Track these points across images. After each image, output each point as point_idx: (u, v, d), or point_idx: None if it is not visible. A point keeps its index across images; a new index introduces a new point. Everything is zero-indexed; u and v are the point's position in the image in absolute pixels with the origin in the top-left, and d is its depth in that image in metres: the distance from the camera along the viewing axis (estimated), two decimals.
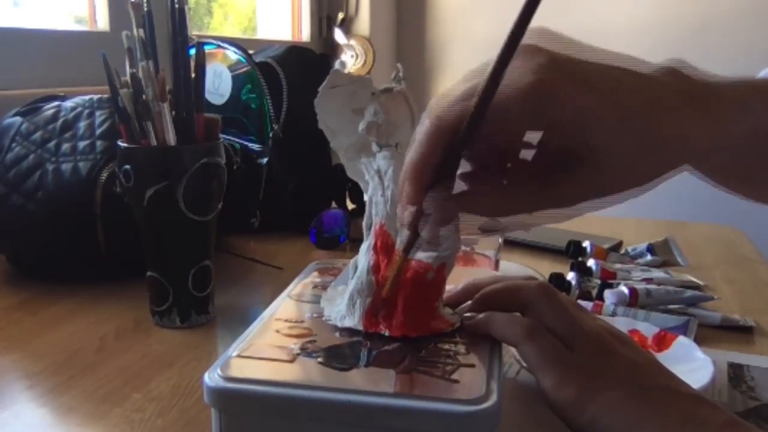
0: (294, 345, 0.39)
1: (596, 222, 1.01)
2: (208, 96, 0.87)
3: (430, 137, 0.36)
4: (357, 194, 0.98)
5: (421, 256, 0.41)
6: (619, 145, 0.35)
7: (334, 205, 0.98)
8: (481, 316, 0.42)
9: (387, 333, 0.40)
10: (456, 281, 0.46)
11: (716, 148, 0.37)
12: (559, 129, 0.35)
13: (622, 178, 0.36)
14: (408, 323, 0.40)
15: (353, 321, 0.41)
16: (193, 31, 0.61)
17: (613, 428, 0.35)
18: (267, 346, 0.39)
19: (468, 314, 0.44)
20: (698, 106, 0.36)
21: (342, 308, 0.42)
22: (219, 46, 0.96)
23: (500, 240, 0.64)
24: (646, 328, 0.56)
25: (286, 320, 0.43)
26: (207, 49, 0.92)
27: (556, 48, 0.35)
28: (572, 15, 2.06)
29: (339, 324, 0.42)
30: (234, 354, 0.38)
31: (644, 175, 0.36)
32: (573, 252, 0.81)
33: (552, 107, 0.34)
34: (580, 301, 0.65)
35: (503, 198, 0.37)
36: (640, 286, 0.66)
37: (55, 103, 0.77)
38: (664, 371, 0.39)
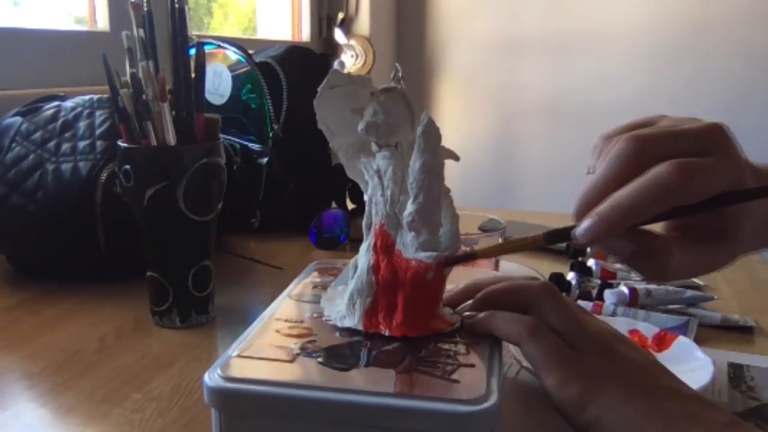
0: (294, 345, 0.39)
1: None
2: (208, 96, 0.87)
3: (661, 197, 0.36)
4: (357, 194, 0.98)
5: (422, 255, 0.41)
6: (751, 229, 0.41)
7: (334, 205, 0.98)
8: (482, 314, 0.42)
9: (387, 333, 0.40)
10: (456, 281, 0.46)
11: None
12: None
13: (739, 252, 0.42)
14: (408, 323, 0.40)
15: (353, 321, 0.41)
16: (193, 31, 0.61)
17: (615, 427, 0.35)
18: (267, 346, 0.39)
19: (468, 313, 0.44)
20: None
21: (342, 308, 0.42)
22: (219, 46, 0.96)
23: (500, 240, 0.64)
24: (646, 328, 0.56)
25: (286, 320, 0.43)
26: (207, 49, 0.92)
27: None
28: (572, 15, 2.07)
29: (339, 324, 0.42)
30: (234, 354, 0.38)
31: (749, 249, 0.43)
32: (573, 252, 0.81)
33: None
34: (580, 301, 0.65)
35: (664, 262, 0.40)
36: (640, 286, 0.66)
37: (55, 103, 0.77)
38: (665, 372, 0.39)
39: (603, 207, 0.37)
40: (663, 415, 0.35)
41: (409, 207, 0.41)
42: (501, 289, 0.44)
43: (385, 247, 0.41)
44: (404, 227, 0.41)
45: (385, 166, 0.42)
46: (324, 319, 0.43)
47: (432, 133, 0.40)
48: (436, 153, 0.41)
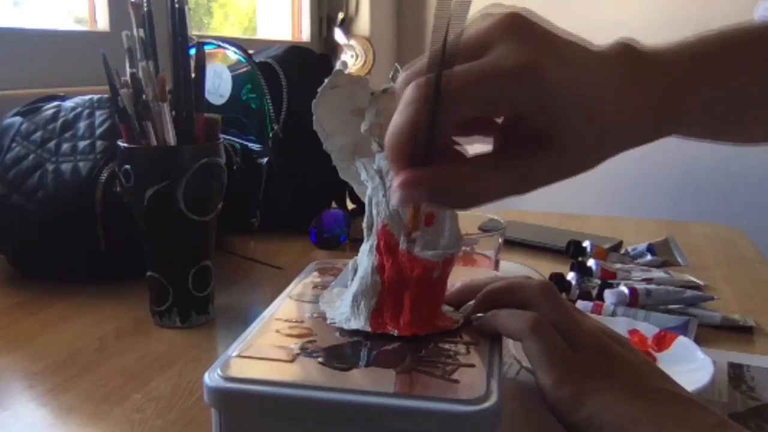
0: (294, 345, 0.39)
1: (596, 222, 1.01)
2: (208, 96, 0.87)
3: (410, 104, 0.33)
4: (357, 194, 0.98)
5: (428, 254, 0.41)
6: (582, 128, 0.34)
7: (334, 205, 0.98)
8: (487, 314, 0.42)
9: (396, 333, 0.40)
10: (454, 281, 0.46)
11: (666, 128, 0.37)
12: (537, 111, 0.33)
13: (580, 160, 0.35)
14: (416, 322, 0.40)
15: (360, 323, 0.41)
16: (193, 31, 0.61)
17: (606, 427, 0.35)
18: (267, 346, 0.39)
19: (475, 316, 0.44)
20: (646, 88, 0.36)
21: (345, 310, 0.42)
22: (219, 46, 0.96)
23: (500, 240, 0.64)
24: (646, 328, 0.56)
25: (286, 320, 0.43)
26: (207, 49, 0.92)
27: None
28: (573, 15, 2.07)
29: (345, 326, 0.41)
30: (234, 354, 0.38)
31: (599, 158, 0.36)
32: (573, 252, 0.81)
33: (538, 89, 0.33)
34: (580, 301, 0.65)
35: (468, 188, 0.35)
36: (640, 286, 0.66)
37: (55, 103, 0.77)
38: (659, 373, 0.39)
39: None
40: (653, 417, 0.35)
41: None
42: (500, 288, 0.44)
43: (389, 247, 0.41)
44: None
45: (386, 167, 0.42)
46: (328, 322, 0.43)
47: None
48: None
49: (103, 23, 1.14)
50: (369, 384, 0.35)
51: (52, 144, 0.72)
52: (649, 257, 0.82)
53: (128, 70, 0.57)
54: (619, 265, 0.76)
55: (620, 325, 0.56)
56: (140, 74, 0.56)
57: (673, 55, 0.37)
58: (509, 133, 0.36)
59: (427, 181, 0.34)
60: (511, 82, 0.32)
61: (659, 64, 0.37)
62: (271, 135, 0.91)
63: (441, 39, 0.32)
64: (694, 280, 0.74)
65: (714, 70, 0.38)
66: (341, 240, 0.88)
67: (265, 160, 0.91)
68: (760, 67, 0.39)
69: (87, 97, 0.76)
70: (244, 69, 0.94)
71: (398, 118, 0.34)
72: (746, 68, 0.38)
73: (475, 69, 0.32)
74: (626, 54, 0.36)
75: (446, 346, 0.40)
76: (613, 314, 0.61)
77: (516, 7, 0.35)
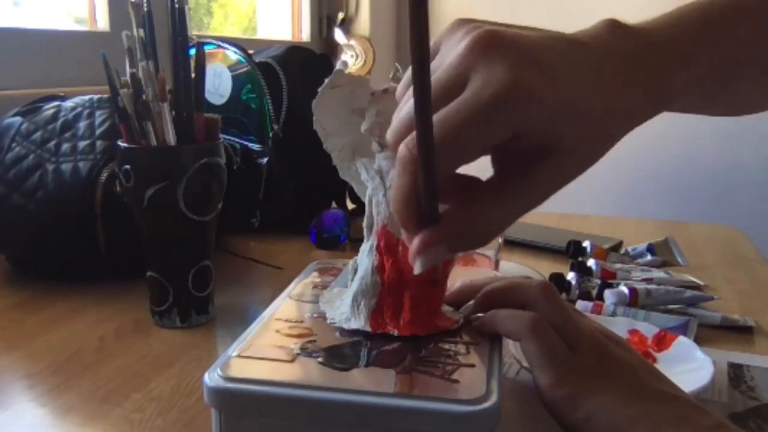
0: (294, 345, 0.39)
1: (596, 222, 1.01)
2: (208, 96, 0.87)
3: (406, 165, 0.32)
4: (357, 194, 0.98)
5: None
6: (581, 129, 0.33)
7: (334, 205, 0.98)
8: (486, 315, 0.42)
9: (396, 333, 0.40)
10: (454, 281, 0.46)
11: (660, 105, 0.36)
12: (532, 128, 0.32)
13: (584, 159, 0.34)
14: (416, 322, 0.40)
15: (360, 323, 0.41)
16: (193, 31, 0.61)
17: (604, 428, 0.35)
18: (267, 346, 0.39)
19: (474, 316, 0.44)
20: (640, 69, 0.35)
21: (345, 310, 0.42)
22: (219, 46, 0.96)
23: (500, 240, 0.64)
24: (646, 328, 0.56)
25: (286, 320, 0.43)
26: (207, 49, 0.92)
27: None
28: (574, 16, 2.06)
29: (345, 326, 0.41)
30: (234, 354, 0.38)
31: (604, 149, 0.35)
32: (573, 252, 0.81)
33: (528, 108, 0.31)
34: (580, 301, 0.65)
35: (482, 228, 0.34)
36: (640, 286, 0.66)
37: (55, 103, 0.77)
38: (657, 374, 0.39)
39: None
40: (650, 418, 0.35)
41: None
42: (500, 288, 0.44)
43: (389, 247, 0.41)
44: None
45: (387, 167, 0.42)
46: (328, 322, 0.43)
47: None
48: None
49: (103, 23, 1.14)
50: (369, 384, 0.35)
51: (52, 144, 0.72)
52: (649, 257, 0.82)
53: (128, 70, 0.57)
54: (619, 265, 0.76)
55: (620, 325, 0.56)
56: (140, 74, 0.56)
57: (660, 31, 0.37)
58: (507, 152, 0.34)
59: (442, 239, 0.33)
60: (499, 112, 0.31)
61: (649, 41, 0.36)
62: (271, 135, 0.91)
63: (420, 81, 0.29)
64: (694, 280, 0.74)
65: (700, 44, 0.37)
66: (341, 240, 0.88)
67: (265, 160, 0.91)
68: (742, 37, 0.38)
69: (87, 97, 0.76)
70: (244, 69, 0.94)
71: (397, 183, 0.33)
72: (729, 40, 0.38)
73: (456, 114, 0.31)
74: (614, 34, 0.35)
75: (446, 346, 0.40)
76: (613, 314, 0.61)
77: (479, 21, 0.33)
